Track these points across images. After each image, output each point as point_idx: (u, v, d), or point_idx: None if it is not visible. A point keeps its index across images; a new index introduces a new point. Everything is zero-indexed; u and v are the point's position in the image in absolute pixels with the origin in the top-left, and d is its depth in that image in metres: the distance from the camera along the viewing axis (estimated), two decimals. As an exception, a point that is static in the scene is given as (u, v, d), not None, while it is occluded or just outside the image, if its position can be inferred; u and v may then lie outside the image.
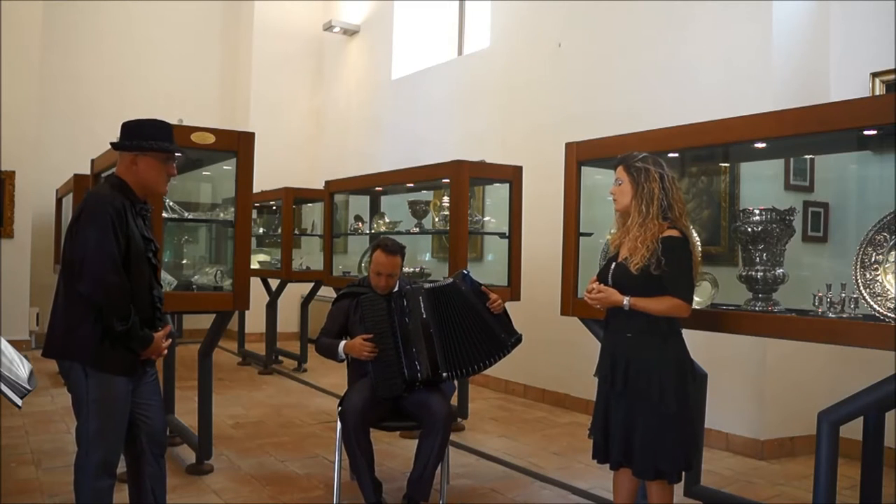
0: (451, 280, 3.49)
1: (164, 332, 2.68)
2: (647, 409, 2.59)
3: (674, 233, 2.64)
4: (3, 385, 2.48)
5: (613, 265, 2.75)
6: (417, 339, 3.34)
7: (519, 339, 3.45)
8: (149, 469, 2.71)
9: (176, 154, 2.70)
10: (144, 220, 2.68)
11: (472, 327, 3.36)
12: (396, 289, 3.55)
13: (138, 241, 2.57)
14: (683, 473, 2.71)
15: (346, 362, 3.61)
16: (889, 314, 2.46)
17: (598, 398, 2.80)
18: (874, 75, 4.48)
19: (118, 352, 2.53)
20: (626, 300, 2.61)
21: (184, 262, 4.88)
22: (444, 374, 3.34)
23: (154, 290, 2.68)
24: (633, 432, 2.62)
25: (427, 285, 3.49)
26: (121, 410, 2.59)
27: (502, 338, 3.39)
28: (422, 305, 3.36)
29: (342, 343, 3.46)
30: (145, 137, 2.59)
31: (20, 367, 2.71)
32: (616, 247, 2.81)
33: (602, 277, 2.78)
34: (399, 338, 3.34)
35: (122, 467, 2.69)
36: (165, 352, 2.73)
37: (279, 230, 7.48)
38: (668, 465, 2.60)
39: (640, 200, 2.65)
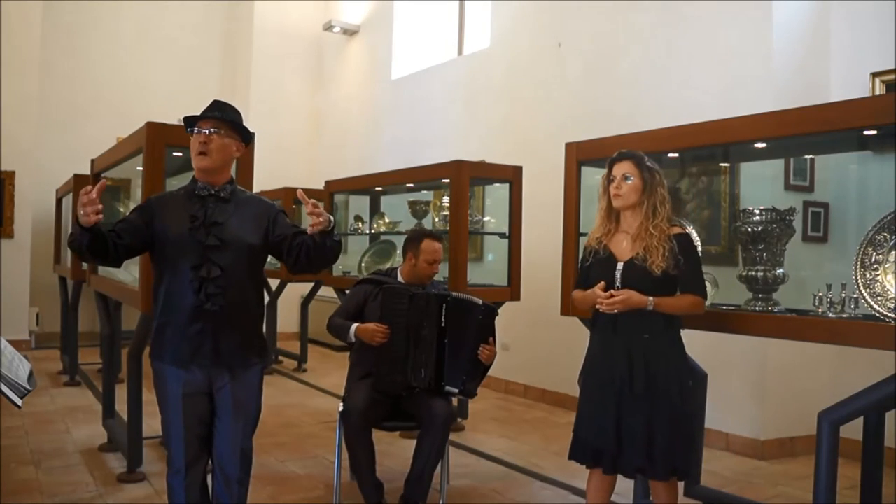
0: (478, 302, 3.37)
1: None
2: (666, 409, 2.54)
3: (681, 230, 2.63)
4: (3, 385, 2.47)
5: (621, 265, 2.61)
6: (428, 345, 3.28)
7: (468, 393, 3.41)
8: (217, 490, 2.54)
9: (199, 123, 2.54)
10: (218, 200, 2.50)
11: (462, 349, 3.31)
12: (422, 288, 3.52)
13: (177, 221, 2.46)
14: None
15: (350, 361, 3.60)
16: (889, 314, 2.45)
17: (601, 402, 2.63)
18: (874, 75, 4.48)
19: (164, 337, 2.48)
20: (649, 301, 2.51)
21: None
22: (447, 388, 3.32)
23: (198, 270, 2.40)
24: (655, 434, 2.54)
25: (454, 294, 3.45)
26: (172, 403, 2.48)
27: (462, 378, 3.31)
28: (443, 314, 3.30)
29: (354, 325, 3.39)
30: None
31: (20, 367, 2.70)
32: (604, 246, 2.68)
33: (608, 280, 2.61)
34: (410, 339, 3.30)
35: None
36: None
37: (279, 230, 7.45)
38: (683, 462, 2.59)
39: (651, 200, 2.59)
